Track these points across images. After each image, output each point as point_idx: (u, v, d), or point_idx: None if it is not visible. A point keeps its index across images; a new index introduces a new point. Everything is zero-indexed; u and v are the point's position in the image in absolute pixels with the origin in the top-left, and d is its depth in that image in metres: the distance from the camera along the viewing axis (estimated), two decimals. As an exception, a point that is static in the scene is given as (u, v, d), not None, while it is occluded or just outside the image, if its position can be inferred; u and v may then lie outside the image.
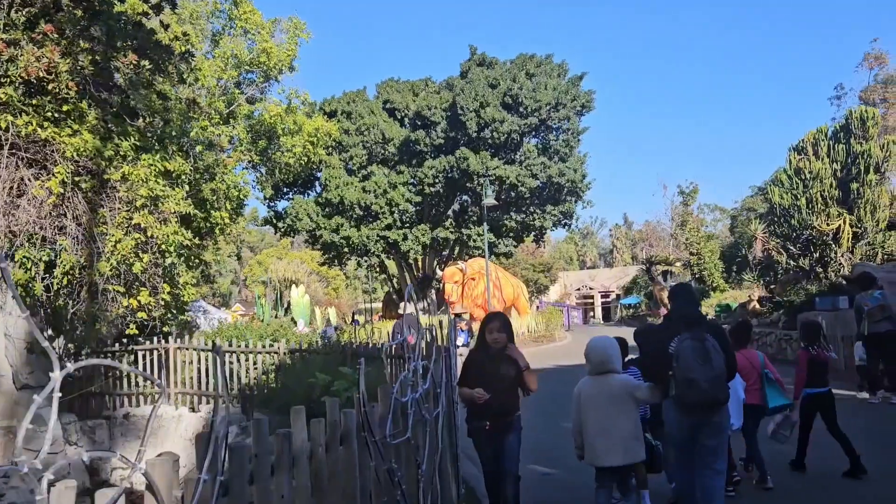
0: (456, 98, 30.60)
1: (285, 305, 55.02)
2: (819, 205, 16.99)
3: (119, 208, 10.12)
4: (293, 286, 51.29)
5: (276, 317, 62.17)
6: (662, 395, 4.50)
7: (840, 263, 17.34)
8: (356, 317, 42.55)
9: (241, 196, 18.21)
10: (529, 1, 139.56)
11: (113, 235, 9.87)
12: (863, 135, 16.82)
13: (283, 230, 35.35)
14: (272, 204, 36.32)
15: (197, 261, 13.10)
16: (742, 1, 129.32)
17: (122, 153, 10.17)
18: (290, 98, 19.28)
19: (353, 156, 32.75)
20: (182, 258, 10.90)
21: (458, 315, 16.07)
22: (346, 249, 34.53)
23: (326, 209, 32.76)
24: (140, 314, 10.53)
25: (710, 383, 4.21)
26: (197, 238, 12.40)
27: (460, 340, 15.08)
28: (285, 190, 35.98)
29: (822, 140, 17.50)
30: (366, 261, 39.12)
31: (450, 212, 34.95)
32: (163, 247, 10.51)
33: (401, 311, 13.86)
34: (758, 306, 20.97)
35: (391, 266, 39.66)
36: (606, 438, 4.37)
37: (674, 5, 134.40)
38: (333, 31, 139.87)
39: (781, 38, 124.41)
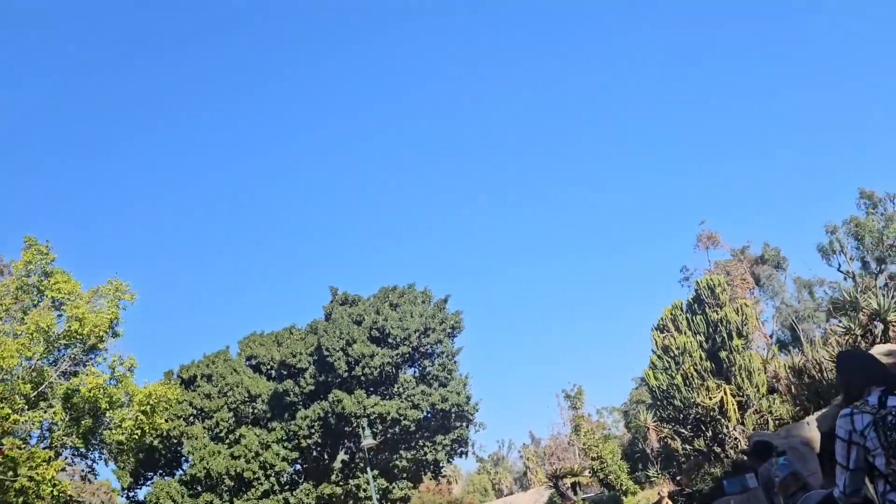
0: (320, 340, 29.27)
1: None
2: (696, 380, 16.32)
3: None
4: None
5: None
6: None
7: (735, 438, 16.30)
8: None
9: (57, 493, 15.22)
10: (386, 242, 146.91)
11: None
12: (715, 303, 16.87)
13: (146, 524, 30.62)
14: (132, 494, 31.82)
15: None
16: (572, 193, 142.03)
17: None
18: (113, 367, 17.13)
19: (218, 421, 29.80)
20: None
21: None
22: (225, 532, 30.17)
23: (194, 487, 28.90)
24: None
25: None
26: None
27: None
28: (149, 474, 31.88)
29: (680, 314, 17.39)
30: (248, 541, 34.30)
31: (336, 463, 31.91)
32: None
33: None
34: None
35: (279, 540, 34.84)
36: None
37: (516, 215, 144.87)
38: (193, 300, 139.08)
39: (626, 233, 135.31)
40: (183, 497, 28.53)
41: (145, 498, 30.22)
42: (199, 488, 28.67)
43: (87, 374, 16.84)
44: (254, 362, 31.99)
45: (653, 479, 23.45)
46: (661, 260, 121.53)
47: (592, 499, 35.62)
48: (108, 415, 17.17)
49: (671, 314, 17.57)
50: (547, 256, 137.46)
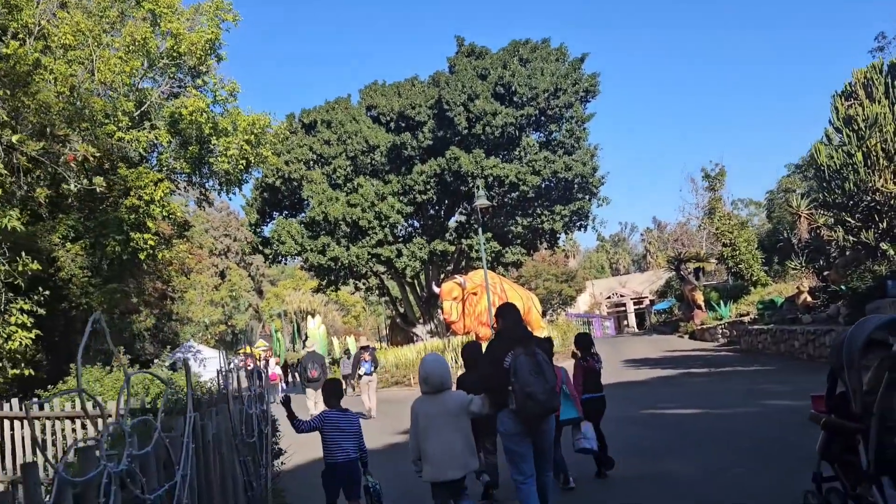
0: (441, 93, 27.32)
1: (303, 338, 52.48)
2: (882, 160, 13.18)
3: None
4: (309, 317, 48.58)
5: (294, 350, 59.91)
6: (496, 406, 4.69)
7: (915, 234, 13.48)
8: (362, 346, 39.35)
9: (167, 213, 15.08)
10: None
11: None
12: (931, 65, 13.06)
13: (270, 257, 32.32)
14: (258, 230, 33.39)
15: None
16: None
17: None
18: (215, 90, 16.07)
19: (336, 168, 29.60)
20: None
21: (364, 347, 16.04)
22: (342, 273, 31.38)
23: (312, 229, 29.63)
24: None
25: (546, 395, 4.59)
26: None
27: (363, 370, 15.14)
28: (274, 213, 33.10)
29: (877, 78, 13.73)
30: (364, 283, 35.94)
31: (451, 222, 31.61)
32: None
33: (308, 348, 12.36)
34: (809, 299, 17.06)
35: (392, 287, 36.27)
36: (446, 454, 4.51)
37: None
38: (320, 42, 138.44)
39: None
40: (303, 237, 29.44)
41: (270, 234, 31.63)
42: (318, 231, 29.35)
43: (188, 97, 15.94)
44: (374, 113, 30.86)
45: (793, 271, 21.12)
46: (846, 26, 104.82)
47: (715, 286, 33.99)
48: (213, 142, 16.43)
49: (865, 77, 13.91)
50: (702, 19, 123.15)
